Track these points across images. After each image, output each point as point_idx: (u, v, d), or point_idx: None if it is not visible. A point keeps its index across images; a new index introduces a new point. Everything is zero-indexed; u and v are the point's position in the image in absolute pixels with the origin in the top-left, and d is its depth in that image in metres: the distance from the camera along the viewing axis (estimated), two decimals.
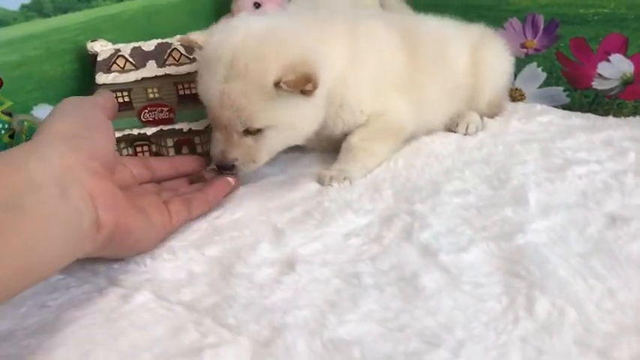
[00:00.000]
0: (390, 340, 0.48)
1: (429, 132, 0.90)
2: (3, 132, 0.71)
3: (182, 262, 0.61)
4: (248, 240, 0.64)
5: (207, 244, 0.64)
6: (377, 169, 0.80)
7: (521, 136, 0.87)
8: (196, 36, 0.72)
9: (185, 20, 1.05)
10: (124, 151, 0.83)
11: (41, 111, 0.84)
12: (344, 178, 0.76)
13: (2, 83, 0.70)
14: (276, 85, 0.66)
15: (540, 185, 0.71)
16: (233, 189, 0.73)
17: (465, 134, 0.89)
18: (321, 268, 0.58)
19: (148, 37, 0.91)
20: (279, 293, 0.55)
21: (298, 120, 0.72)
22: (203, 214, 0.68)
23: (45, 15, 0.83)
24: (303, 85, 0.66)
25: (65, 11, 0.86)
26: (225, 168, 0.71)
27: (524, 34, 1.03)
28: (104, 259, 0.59)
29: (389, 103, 0.80)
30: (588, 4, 0.95)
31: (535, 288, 0.52)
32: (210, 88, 0.68)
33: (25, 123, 0.71)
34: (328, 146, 0.83)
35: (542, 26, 1.01)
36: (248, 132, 0.70)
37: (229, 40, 0.68)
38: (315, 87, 0.67)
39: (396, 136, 0.82)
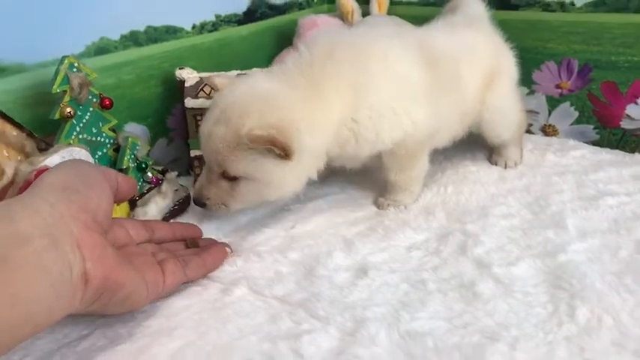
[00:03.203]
0: (457, 334, 0.57)
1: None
2: (109, 146, 0.82)
3: (269, 263, 0.71)
4: (322, 248, 0.74)
5: (287, 249, 0.74)
6: (429, 194, 0.89)
7: (557, 168, 0.96)
8: (219, 80, 0.78)
9: (252, 51, 1.16)
10: (197, 170, 0.93)
11: (130, 128, 0.95)
12: (399, 206, 0.86)
13: (113, 104, 0.81)
14: (248, 135, 0.69)
15: (576, 212, 0.80)
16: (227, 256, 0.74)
17: (505, 168, 0.98)
18: (390, 274, 0.68)
19: (220, 65, 1.04)
20: (357, 293, 0.65)
21: (273, 180, 0.74)
22: (198, 278, 0.68)
23: (139, 44, 0.95)
24: (264, 144, 0.68)
25: (155, 41, 0.97)
26: (198, 204, 0.77)
27: (559, 76, 1.13)
28: None
29: (407, 125, 0.79)
30: (619, 52, 1.05)
31: (576, 298, 0.61)
32: (202, 127, 0.74)
33: (130, 139, 0.82)
34: (361, 165, 0.87)
35: (576, 70, 1.10)
36: (225, 176, 0.73)
37: (231, 92, 0.74)
38: (286, 154, 0.69)
39: (422, 150, 0.84)
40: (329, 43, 0.78)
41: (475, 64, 0.90)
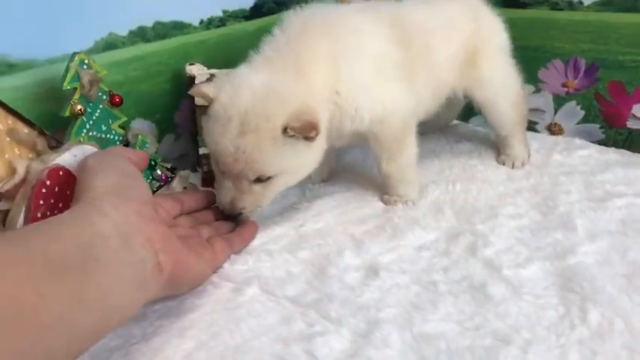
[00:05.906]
0: (469, 337, 0.58)
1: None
2: (118, 143, 0.81)
3: (279, 262, 0.71)
4: (332, 247, 0.74)
5: (297, 249, 0.74)
6: (437, 191, 0.89)
7: (564, 168, 0.96)
8: (206, 89, 0.74)
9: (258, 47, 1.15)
10: (205, 167, 0.93)
11: (137, 125, 0.95)
12: (405, 201, 0.86)
13: (122, 101, 0.80)
14: (284, 132, 0.69)
15: (585, 213, 0.80)
16: None
17: (512, 168, 0.98)
18: (400, 275, 0.68)
19: (227, 61, 1.02)
20: (369, 294, 0.65)
21: (303, 164, 0.75)
22: (240, 251, 0.73)
23: (147, 40, 0.94)
24: (308, 131, 0.70)
25: (163, 37, 0.97)
26: (232, 217, 0.75)
27: (566, 74, 1.13)
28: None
29: (385, 102, 0.80)
30: (627, 52, 1.05)
31: (587, 301, 0.62)
32: (223, 144, 0.71)
33: (139, 137, 0.82)
34: (347, 144, 0.88)
35: (583, 69, 1.10)
36: (259, 180, 0.72)
37: (238, 100, 0.71)
38: (318, 133, 0.71)
39: (406, 132, 0.84)
40: (300, 19, 0.80)
41: (450, 36, 0.90)
